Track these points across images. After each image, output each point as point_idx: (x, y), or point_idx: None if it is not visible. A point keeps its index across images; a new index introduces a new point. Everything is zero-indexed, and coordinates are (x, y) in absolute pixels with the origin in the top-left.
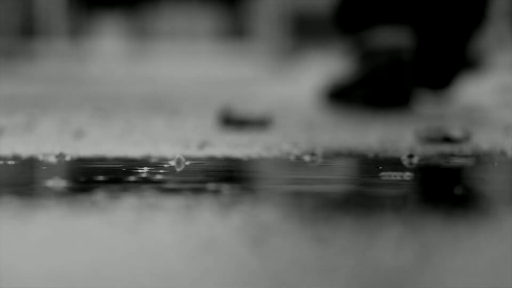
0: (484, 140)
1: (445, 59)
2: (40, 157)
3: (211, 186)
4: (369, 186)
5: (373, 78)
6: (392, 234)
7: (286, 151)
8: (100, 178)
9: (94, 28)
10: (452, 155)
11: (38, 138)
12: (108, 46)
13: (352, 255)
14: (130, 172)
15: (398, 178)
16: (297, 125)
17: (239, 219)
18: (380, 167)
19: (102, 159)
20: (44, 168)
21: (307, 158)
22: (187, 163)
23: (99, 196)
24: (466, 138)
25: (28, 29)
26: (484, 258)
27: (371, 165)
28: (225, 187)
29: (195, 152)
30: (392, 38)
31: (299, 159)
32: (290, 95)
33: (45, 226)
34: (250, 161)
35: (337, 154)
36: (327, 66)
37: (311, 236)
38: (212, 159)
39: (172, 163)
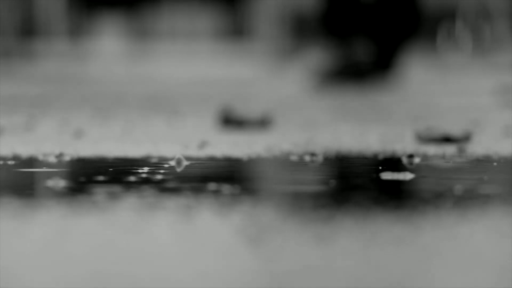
0: (484, 140)
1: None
2: (40, 157)
3: (211, 186)
4: (369, 186)
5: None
6: (392, 234)
7: (286, 151)
8: (100, 178)
9: (94, 28)
10: (452, 155)
11: (38, 138)
12: (108, 46)
13: (352, 255)
14: (130, 172)
15: (398, 178)
16: (297, 125)
17: (239, 219)
18: (380, 167)
19: (102, 159)
20: (44, 168)
21: (307, 158)
22: (187, 163)
23: (99, 196)
24: (466, 138)
25: (28, 29)
26: (484, 258)
27: (371, 165)
28: (225, 187)
29: (195, 152)
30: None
31: (299, 159)
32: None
33: (45, 226)
34: (250, 161)
35: (337, 154)
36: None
37: (311, 236)
38: (212, 159)
39: (172, 163)
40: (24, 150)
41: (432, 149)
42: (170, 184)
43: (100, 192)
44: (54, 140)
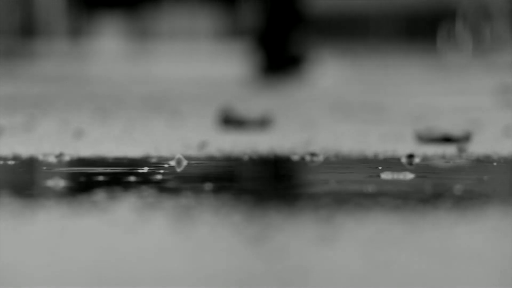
0: (484, 140)
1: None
2: (40, 157)
3: (211, 186)
4: (369, 186)
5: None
6: (392, 234)
7: (286, 151)
8: (100, 178)
9: (94, 28)
10: (452, 155)
11: (38, 138)
12: (108, 46)
13: (353, 255)
14: (130, 172)
15: (398, 178)
16: (297, 125)
17: (239, 219)
18: (380, 167)
19: (102, 159)
20: (44, 168)
21: (307, 158)
22: (187, 163)
23: (99, 196)
24: (466, 138)
25: (28, 29)
26: (483, 258)
27: (371, 165)
28: (225, 187)
29: (195, 152)
30: None
31: (299, 159)
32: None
33: (45, 226)
34: (250, 161)
35: (337, 154)
36: (326, 64)
37: (311, 236)
38: (212, 159)
39: (172, 163)
40: (24, 150)
41: (432, 149)
42: (170, 184)
43: (100, 192)
44: (54, 140)
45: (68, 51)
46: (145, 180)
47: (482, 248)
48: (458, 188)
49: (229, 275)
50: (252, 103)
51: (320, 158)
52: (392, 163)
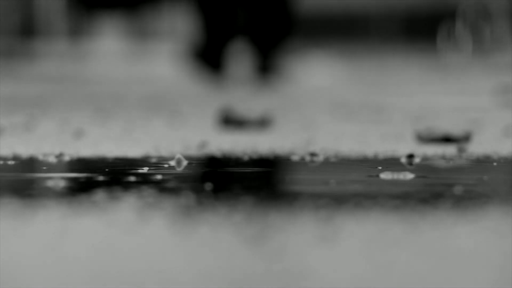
0: (484, 140)
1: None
2: (40, 157)
3: (211, 186)
4: (369, 186)
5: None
6: (392, 234)
7: (286, 151)
8: (100, 178)
9: (94, 28)
10: (452, 155)
11: (38, 138)
12: (108, 46)
13: (352, 255)
14: (130, 172)
15: (398, 178)
16: (297, 125)
17: (239, 219)
18: (380, 167)
19: (102, 159)
20: (44, 168)
21: (307, 158)
22: (187, 163)
23: (99, 196)
24: (466, 138)
25: (28, 29)
26: (483, 258)
27: (371, 165)
28: (225, 187)
29: (195, 152)
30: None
31: (299, 159)
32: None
33: (45, 226)
34: (250, 161)
35: (337, 154)
36: (327, 65)
37: (311, 236)
38: (212, 159)
39: (172, 163)
40: (24, 150)
41: (432, 149)
42: (170, 184)
43: (100, 192)
44: (54, 140)
45: (68, 51)
46: (145, 180)
47: (482, 248)
48: (458, 188)
49: (229, 275)
50: (252, 103)
51: (320, 158)
52: (392, 163)
